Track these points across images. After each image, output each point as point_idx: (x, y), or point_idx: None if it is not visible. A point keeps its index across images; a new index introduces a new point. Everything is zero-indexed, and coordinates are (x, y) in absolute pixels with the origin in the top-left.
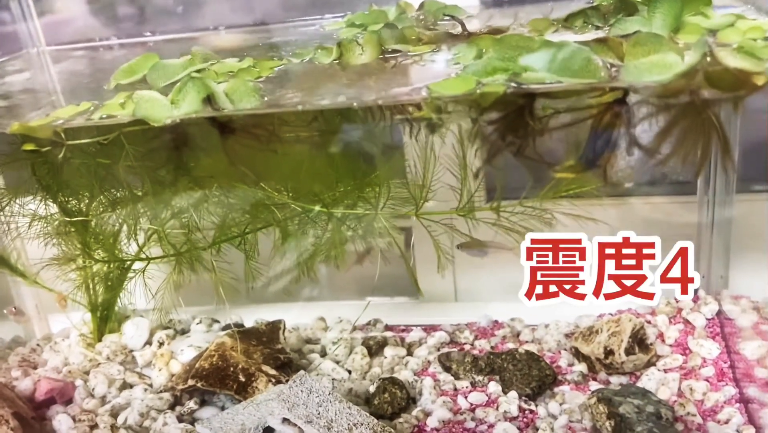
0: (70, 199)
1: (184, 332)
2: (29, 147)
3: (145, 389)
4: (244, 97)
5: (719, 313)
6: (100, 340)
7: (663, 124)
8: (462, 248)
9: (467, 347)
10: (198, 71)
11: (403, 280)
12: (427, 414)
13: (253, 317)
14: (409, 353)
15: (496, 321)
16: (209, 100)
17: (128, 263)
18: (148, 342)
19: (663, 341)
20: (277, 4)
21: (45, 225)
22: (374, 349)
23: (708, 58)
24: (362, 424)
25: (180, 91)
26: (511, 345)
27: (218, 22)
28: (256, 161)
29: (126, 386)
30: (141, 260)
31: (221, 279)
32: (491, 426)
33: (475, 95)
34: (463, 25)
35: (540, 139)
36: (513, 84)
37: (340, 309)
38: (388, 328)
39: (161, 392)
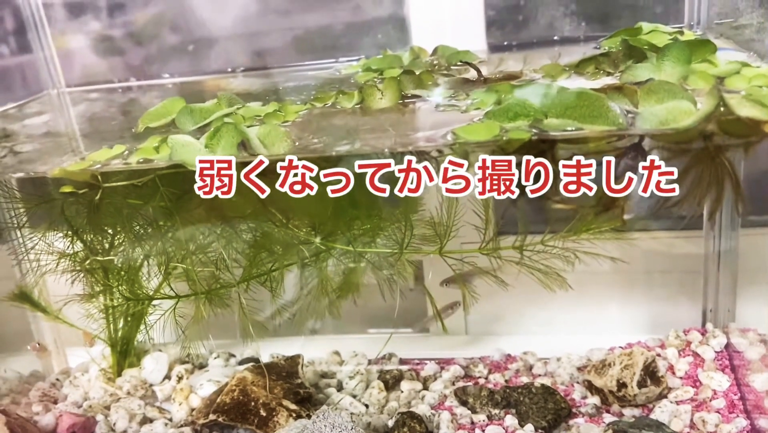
0: (99, 238)
1: (202, 366)
2: (67, 189)
3: (166, 424)
4: (276, 141)
5: (728, 346)
6: (119, 374)
7: (677, 168)
8: (446, 284)
9: (482, 381)
10: (227, 115)
11: (408, 313)
12: None
13: (264, 351)
14: (425, 387)
15: (509, 355)
16: (243, 144)
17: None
18: (167, 376)
19: (674, 373)
20: (289, 47)
21: (72, 263)
22: (391, 383)
23: (722, 108)
24: None
25: (214, 137)
26: (524, 379)
27: (234, 64)
28: (284, 200)
29: (146, 420)
30: (171, 297)
31: (244, 315)
32: None
33: (501, 142)
34: (478, 71)
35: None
36: (536, 130)
37: (347, 342)
38: (402, 362)
39: (182, 426)
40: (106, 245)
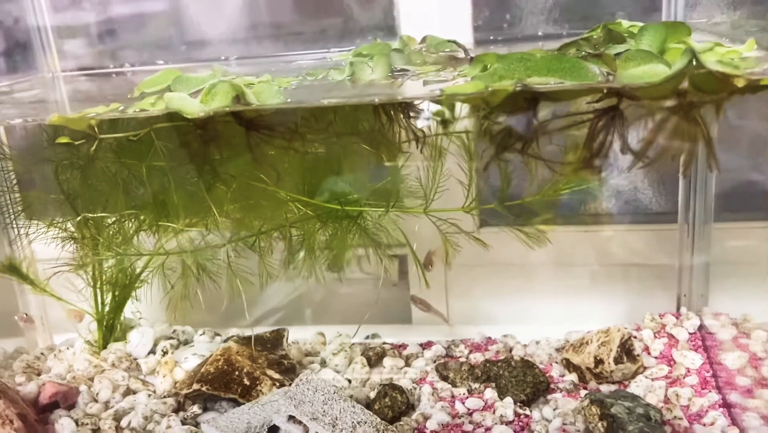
0: (92, 195)
1: (187, 342)
2: (63, 140)
3: (149, 395)
4: (269, 97)
5: (701, 327)
6: (105, 348)
7: (653, 125)
8: (426, 266)
9: (462, 360)
10: None
11: (392, 305)
12: (427, 418)
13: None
14: (407, 364)
15: (489, 337)
16: (238, 99)
17: (137, 271)
18: (152, 351)
19: (649, 353)
20: (283, 39)
21: (62, 228)
22: (373, 360)
23: (693, 63)
24: (365, 422)
25: (209, 93)
26: None
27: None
28: (277, 158)
29: (130, 392)
30: (159, 254)
31: (233, 280)
32: (488, 429)
33: (485, 94)
34: (465, 51)
35: (542, 139)
36: (519, 85)
37: (333, 331)
38: (385, 343)
39: (165, 397)
40: (100, 206)
